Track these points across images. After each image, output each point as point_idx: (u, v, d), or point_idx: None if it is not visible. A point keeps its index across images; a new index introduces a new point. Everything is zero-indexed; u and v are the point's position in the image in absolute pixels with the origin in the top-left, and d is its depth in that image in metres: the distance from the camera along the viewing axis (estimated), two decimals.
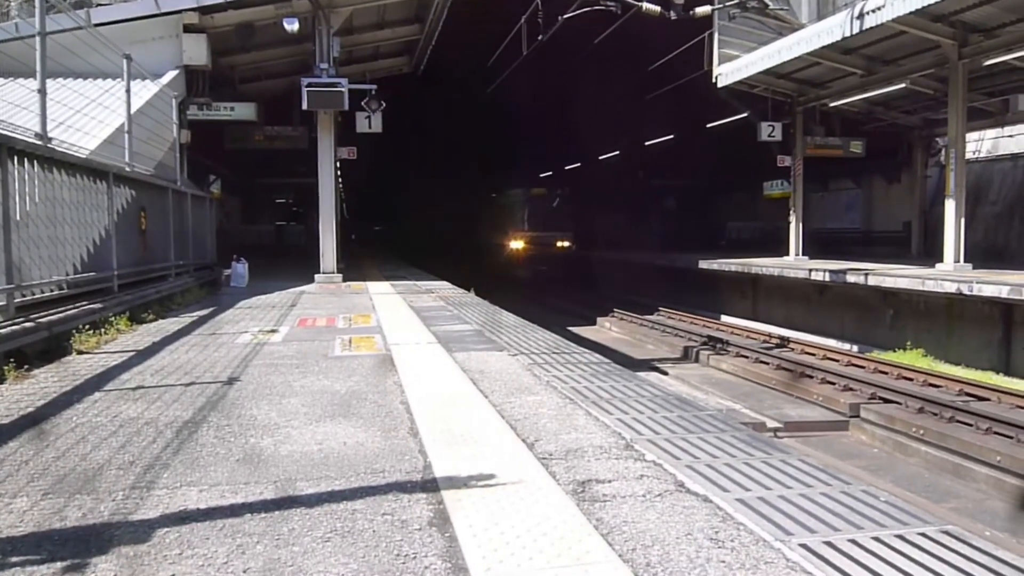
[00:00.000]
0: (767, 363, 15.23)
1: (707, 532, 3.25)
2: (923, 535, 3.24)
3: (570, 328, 19.60)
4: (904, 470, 10.38)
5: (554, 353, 7.84)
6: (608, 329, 22.37)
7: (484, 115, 35.21)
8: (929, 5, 14.06)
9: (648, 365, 15.79)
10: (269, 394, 5.95)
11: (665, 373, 15.47)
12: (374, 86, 18.00)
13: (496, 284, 21.80)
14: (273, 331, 9.59)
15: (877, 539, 3.20)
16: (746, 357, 15.93)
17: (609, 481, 3.88)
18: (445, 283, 17.64)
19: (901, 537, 3.21)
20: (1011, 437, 9.89)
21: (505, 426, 4.94)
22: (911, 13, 14.59)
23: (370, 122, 18.47)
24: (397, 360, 7.45)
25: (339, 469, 4.11)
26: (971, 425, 10.44)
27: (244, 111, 19.25)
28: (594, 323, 23.32)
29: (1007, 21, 15.65)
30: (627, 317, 22.60)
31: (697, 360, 16.91)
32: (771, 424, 11.52)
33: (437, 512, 3.48)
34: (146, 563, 2.97)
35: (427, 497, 3.70)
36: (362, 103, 17.80)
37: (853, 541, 3.17)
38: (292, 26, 16.13)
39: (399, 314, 11.49)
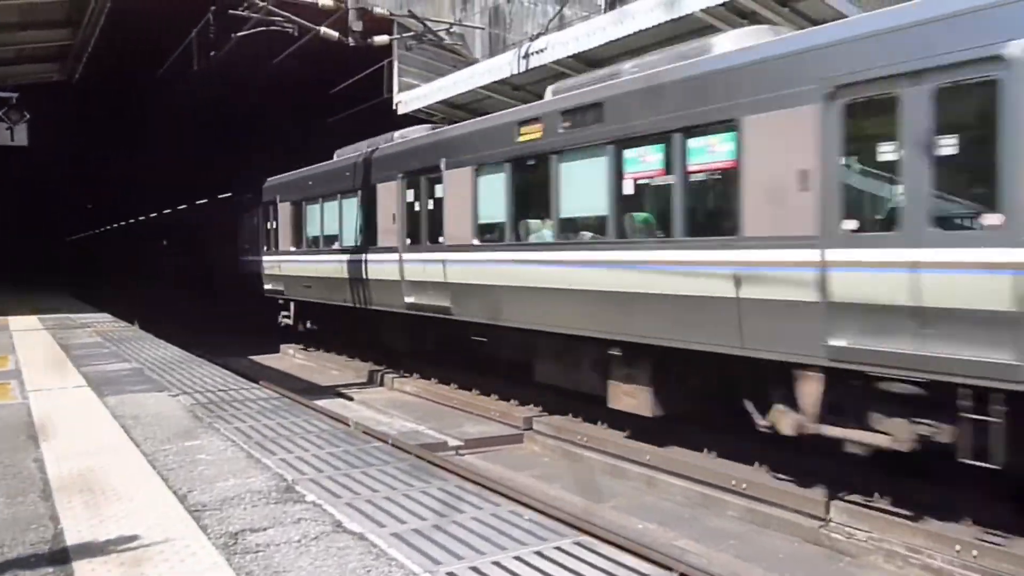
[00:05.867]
0: (449, 383, 15.72)
1: (359, 572, 3.24)
2: (558, 548, 3.52)
3: (252, 357, 18.77)
4: (573, 476, 11.21)
5: (220, 391, 7.45)
6: (292, 356, 21.75)
7: (157, 131, 32.61)
8: (582, 52, 15.55)
9: (332, 392, 15.57)
10: None
11: (350, 399, 15.35)
12: (15, 94, 15.87)
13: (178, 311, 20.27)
14: None
15: (518, 558, 3.42)
16: (428, 379, 16.31)
17: (264, 529, 3.74)
18: (106, 315, 16.06)
19: (539, 553, 3.46)
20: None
21: (156, 478, 4.58)
22: (570, 57, 16.06)
23: (12, 134, 16.22)
24: (36, 410, 6.62)
25: None
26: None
27: None
28: (278, 351, 22.54)
29: None
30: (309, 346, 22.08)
31: (383, 384, 17.01)
32: (452, 443, 11.89)
33: None
34: None
35: (54, 571, 3.31)
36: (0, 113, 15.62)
37: (497, 563, 3.36)
38: None
39: (45, 354, 10.23)
